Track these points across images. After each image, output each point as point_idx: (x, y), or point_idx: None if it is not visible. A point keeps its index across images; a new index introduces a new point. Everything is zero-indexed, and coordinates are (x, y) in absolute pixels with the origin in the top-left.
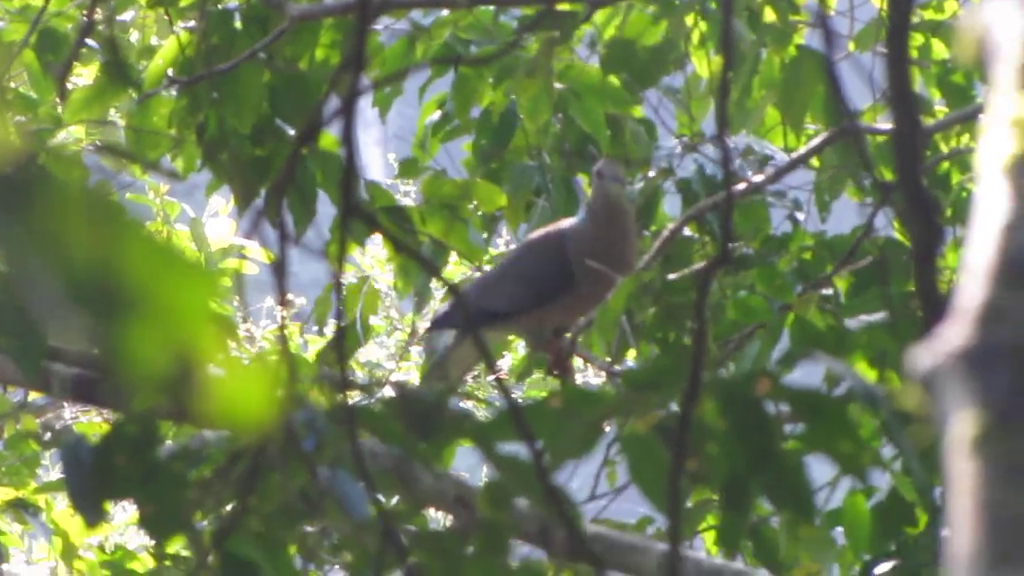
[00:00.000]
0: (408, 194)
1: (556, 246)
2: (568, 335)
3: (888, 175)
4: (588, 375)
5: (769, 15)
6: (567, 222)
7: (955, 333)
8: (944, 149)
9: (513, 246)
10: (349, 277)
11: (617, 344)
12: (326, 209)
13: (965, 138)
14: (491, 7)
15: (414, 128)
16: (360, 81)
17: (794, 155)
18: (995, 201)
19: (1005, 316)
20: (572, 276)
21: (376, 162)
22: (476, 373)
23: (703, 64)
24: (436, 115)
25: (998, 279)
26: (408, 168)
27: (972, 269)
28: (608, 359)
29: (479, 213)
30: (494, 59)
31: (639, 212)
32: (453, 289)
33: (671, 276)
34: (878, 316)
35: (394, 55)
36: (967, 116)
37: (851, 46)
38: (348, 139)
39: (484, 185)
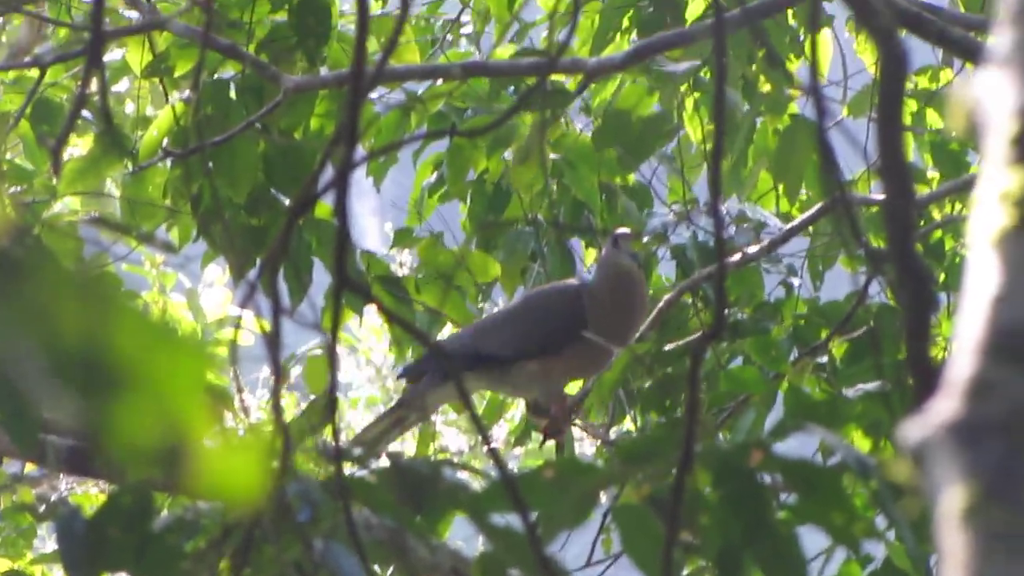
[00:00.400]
0: (404, 264)
1: (571, 297)
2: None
3: (882, 243)
4: (583, 443)
5: (764, 84)
6: (570, 281)
7: (945, 406)
8: (937, 216)
9: None
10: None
11: (612, 412)
12: (323, 278)
13: (958, 206)
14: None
15: (409, 197)
16: (354, 153)
17: (788, 226)
18: (985, 274)
19: (994, 390)
20: (581, 328)
21: (372, 231)
22: (471, 444)
23: (696, 130)
24: (432, 177)
25: (987, 353)
26: (403, 237)
27: (962, 343)
28: (603, 426)
29: (475, 282)
30: (488, 130)
31: None
32: (446, 359)
33: (667, 347)
34: (872, 386)
35: (388, 125)
36: (960, 187)
37: (844, 112)
38: (341, 211)
39: (479, 255)
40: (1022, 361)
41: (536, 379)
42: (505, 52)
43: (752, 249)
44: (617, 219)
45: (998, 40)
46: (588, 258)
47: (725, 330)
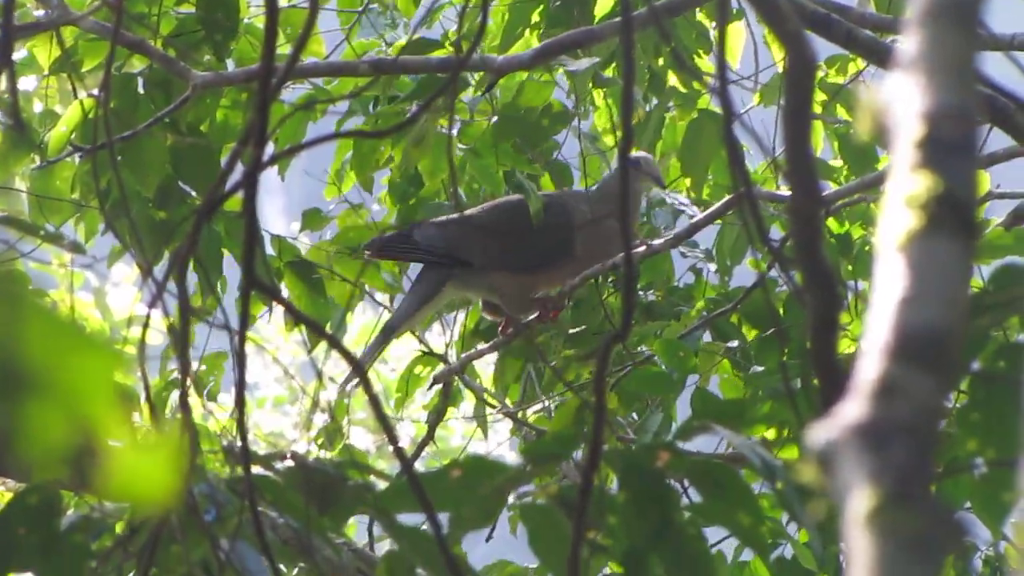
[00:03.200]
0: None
1: (562, 220)
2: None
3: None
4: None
5: (671, 78)
6: (569, 192)
7: (852, 408)
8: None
9: None
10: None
11: (524, 390)
12: (234, 271)
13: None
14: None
15: (319, 195)
16: (263, 153)
17: (694, 219)
18: (892, 277)
19: (900, 392)
20: (570, 248)
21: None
22: (378, 444)
23: (604, 121)
24: (350, 153)
25: (894, 356)
26: (312, 219)
27: (869, 345)
28: (515, 406)
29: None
30: (394, 131)
31: None
32: (352, 360)
33: (572, 354)
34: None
35: (295, 119)
36: (866, 185)
37: (756, 99)
38: (250, 212)
39: (393, 228)
40: (928, 363)
41: (509, 290)
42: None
43: (658, 241)
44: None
45: (906, 42)
46: None
47: (628, 336)
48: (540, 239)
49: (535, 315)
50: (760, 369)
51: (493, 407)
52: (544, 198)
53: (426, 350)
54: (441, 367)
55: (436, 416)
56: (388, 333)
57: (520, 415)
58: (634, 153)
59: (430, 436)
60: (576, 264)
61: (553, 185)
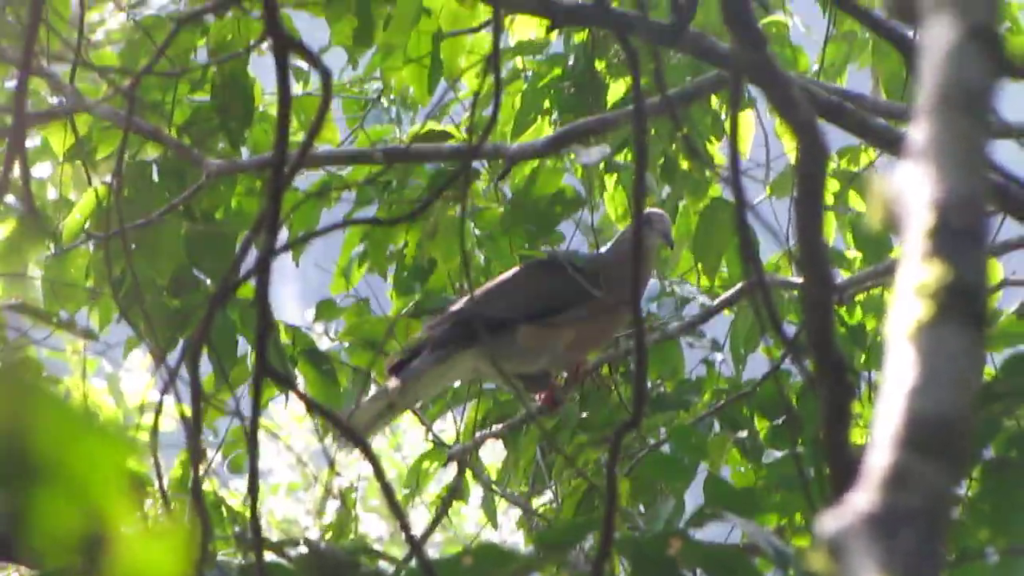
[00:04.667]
0: (330, 334)
1: (580, 265)
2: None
3: (801, 324)
4: (508, 514)
5: (684, 163)
6: (584, 253)
7: (862, 497)
8: (859, 298)
9: None
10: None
11: (532, 481)
12: (250, 360)
13: (878, 291)
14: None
15: (336, 264)
16: (276, 241)
17: (707, 308)
18: (903, 366)
19: (911, 481)
20: (588, 294)
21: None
22: (391, 530)
23: (618, 205)
24: (360, 247)
25: (904, 444)
26: (326, 309)
27: (880, 434)
28: (525, 495)
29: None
30: (407, 219)
31: None
32: (365, 447)
33: (586, 439)
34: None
35: (309, 209)
36: (879, 273)
37: (767, 192)
38: (262, 299)
39: (405, 321)
40: (938, 452)
41: (540, 341)
42: (426, 127)
43: (674, 325)
44: None
45: (916, 131)
46: None
47: (640, 423)
48: (559, 284)
49: (553, 390)
50: (775, 456)
51: (503, 497)
52: (560, 255)
53: (436, 441)
54: (457, 445)
55: (450, 493)
56: (384, 395)
57: (531, 502)
58: (647, 209)
59: (444, 512)
60: (599, 308)
61: None
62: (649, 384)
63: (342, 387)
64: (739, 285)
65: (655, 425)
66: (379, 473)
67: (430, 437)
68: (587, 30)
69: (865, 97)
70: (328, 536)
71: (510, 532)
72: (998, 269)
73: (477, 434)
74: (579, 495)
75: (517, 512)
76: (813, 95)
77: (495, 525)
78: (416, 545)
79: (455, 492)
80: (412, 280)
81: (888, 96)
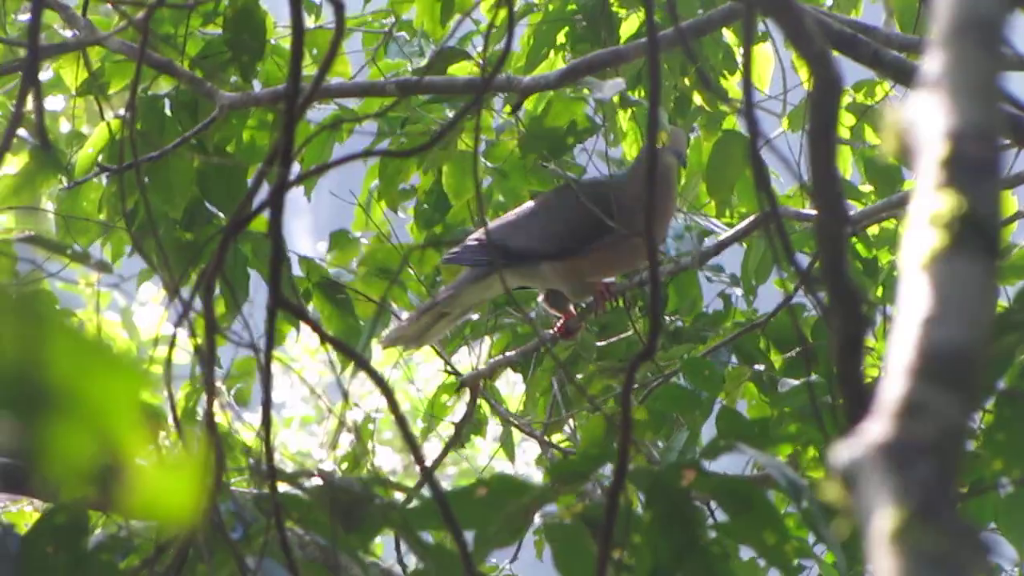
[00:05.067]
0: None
1: (599, 195)
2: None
3: (814, 256)
4: (525, 446)
5: (697, 98)
6: (597, 178)
7: (876, 427)
8: (872, 230)
9: None
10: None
11: (550, 413)
12: (261, 291)
13: (892, 223)
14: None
15: (345, 215)
16: (289, 173)
17: (719, 239)
18: (916, 296)
19: (925, 412)
20: (607, 225)
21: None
22: (405, 463)
23: (631, 142)
24: (378, 180)
25: (918, 375)
26: (340, 240)
27: (894, 364)
28: (543, 426)
29: (421, 277)
30: (419, 151)
31: None
32: (380, 380)
33: (601, 366)
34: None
35: (320, 138)
36: (892, 205)
37: (784, 124)
38: (276, 231)
39: (419, 252)
40: (952, 383)
41: (563, 276)
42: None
43: (687, 259)
44: None
45: (930, 62)
46: None
47: (655, 354)
48: (576, 220)
49: (592, 302)
50: (790, 385)
51: (519, 429)
52: (578, 183)
53: (451, 372)
54: (469, 371)
55: (463, 420)
56: (431, 307)
57: (547, 436)
58: (670, 127)
59: (457, 439)
60: (619, 244)
61: None
62: (667, 318)
63: (359, 318)
64: (752, 217)
65: (672, 357)
66: (393, 405)
67: (447, 369)
68: None
69: (879, 30)
70: (343, 468)
71: (525, 466)
72: (1012, 202)
73: (491, 360)
74: (598, 427)
75: (536, 448)
76: (827, 27)
77: (512, 459)
78: (428, 475)
79: (467, 419)
80: (432, 211)
81: (901, 28)
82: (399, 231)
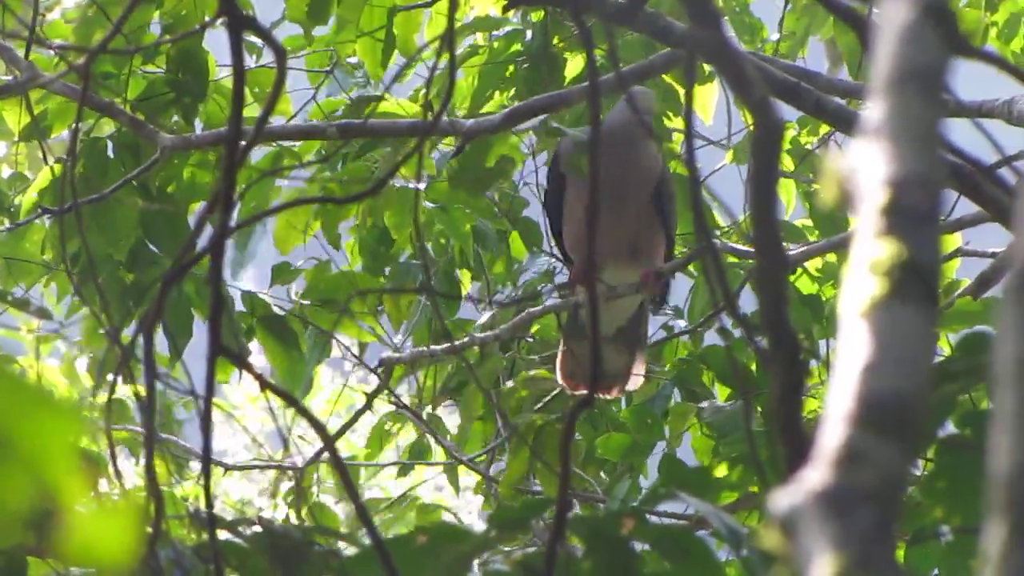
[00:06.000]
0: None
1: (554, 157)
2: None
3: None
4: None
5: None
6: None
7: (816, 475)
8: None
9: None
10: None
11: (493, 449)
12: (204, 336)
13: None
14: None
15: (286, 254)
16: (229, 220)
17: (661, 267)
18: (856, 344)
19: (864, 460)
20: (563, 183)
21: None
22: (346, 510)
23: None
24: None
25: (858, 423)
26: (282, 273)
27: (833, 412)
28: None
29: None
30: (361, 198)
31: None
32: (318, 426)
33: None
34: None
35: (262, 183)
36: (832, 245)
37: (728, 158)
38: (216, 278)
39: (365, 277)
40: (891, 430)
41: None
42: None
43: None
44: (499, 258)
45: (871, 110)
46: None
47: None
48: (553, 193)
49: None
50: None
51: (461, 463)
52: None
53: (396, 402)
54: (391, 353)
55: (372, 394)
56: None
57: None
58: (636, 88)
59: (366, 408)
60: (575, 207)
61: (523, 241)
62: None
63: (304, 350)
64: (690, 252)
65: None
66: (332, 450)
67: (392, 399)
68: (543, 8)
69: (821, 75)
70: (289, 514)
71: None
72: (954, 240)
73: (416, 349)
74: (523, 459)
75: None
76: (768, 74)
77: (456, 489)
78: (369, 524)
79: (379, 390)
80: (376, 243)
81: (851, 70)
82: (339, 257)
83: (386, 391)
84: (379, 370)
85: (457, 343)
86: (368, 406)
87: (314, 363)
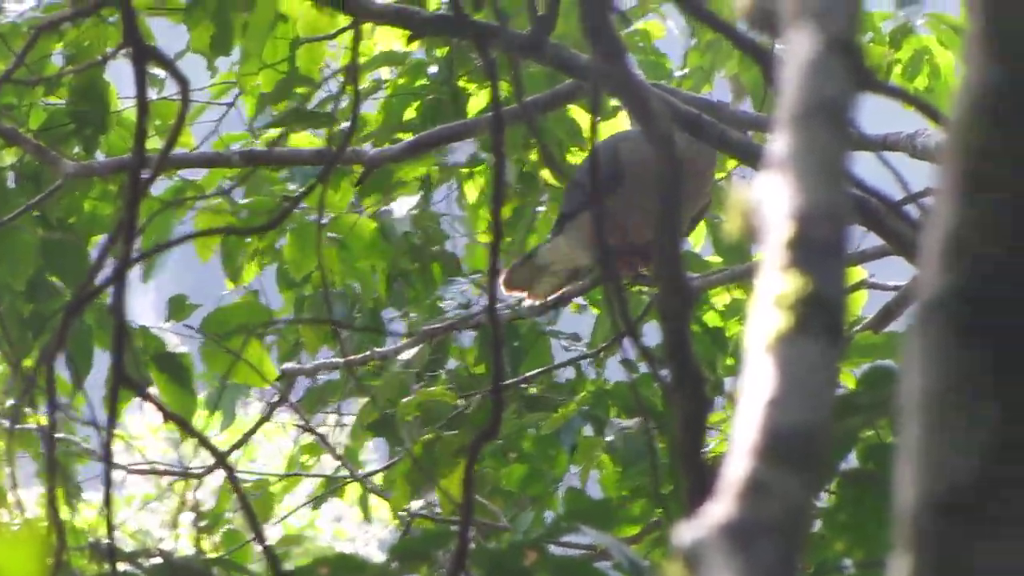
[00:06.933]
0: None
1: (610, 150)
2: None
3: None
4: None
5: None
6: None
7: (719, 508)
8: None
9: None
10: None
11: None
12: (104, 362)
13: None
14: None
15: (187, 287)
16: (131, 252)
17: (556, 294)
18: (760, 377)
19: (768, 492)
20: (622, 177)
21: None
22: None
23: (476, 221)
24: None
25: (761, 455)
26: (178, 308)
27: (738, 444)
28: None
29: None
30: (262, 230)
31: None
32: (220, 458)
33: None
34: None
35: (166, 216)
36: (735, 276)
37: None
38: (118, 311)
39: (261, 310)
40: (796, 464)
41: (583, 237)
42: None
43: (525, 305)
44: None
45: (776, 143)
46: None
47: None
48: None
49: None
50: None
51: (371, 491)
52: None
53: (306, 427)
54: (291, 364)
55: (273, 405)
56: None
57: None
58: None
59: (264, 420)
60: (632, 201)
61: (441, 275)
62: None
63: (194, 391)
64: (591, 277)
65: (526, 425)
66: (233, 481)
67: (301, 424)
68: (448, 41)
69: (725, 107)
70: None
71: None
72: (859, 272)
73: (317, 362)
74: (406, 470)
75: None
76: (673, 107)
77: (367, 517)
78: (272, 556)
79: (280, 403)
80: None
81: (755, 104)
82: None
83: (290, 407)
84: (280, 382)
85: (354, 357)
86: (267, 418)
87: (235, 394)
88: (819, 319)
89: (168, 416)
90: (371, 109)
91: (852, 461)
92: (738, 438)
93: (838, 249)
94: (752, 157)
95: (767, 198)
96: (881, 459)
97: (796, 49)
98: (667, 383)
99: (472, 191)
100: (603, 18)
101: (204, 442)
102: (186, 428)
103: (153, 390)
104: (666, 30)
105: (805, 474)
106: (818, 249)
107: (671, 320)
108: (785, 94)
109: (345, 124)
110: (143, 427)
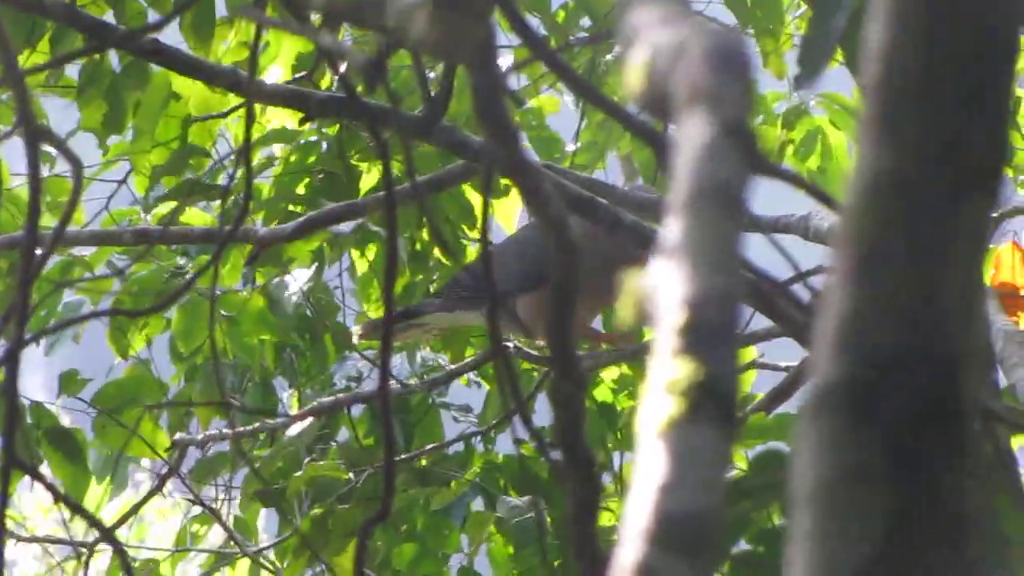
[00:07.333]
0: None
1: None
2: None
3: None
4: None
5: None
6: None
7: None
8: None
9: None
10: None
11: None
12: None
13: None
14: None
15: (78, 363)
16: (23, 333)
17: (451, 368)
18: (652, 463)
19: None
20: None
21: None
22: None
23: (366, 297)
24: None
25: (653, 540)
26: (70, 382)
27: (629, 530)
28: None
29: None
30: (154, 312)
31: None
32: (106, 532)
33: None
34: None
35: (57, 295)
36: (627, 355)
37: None
38: (11, 394)
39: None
40: (687, 548)
41: (533, 314)
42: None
43: (415, 383)
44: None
45: (669, 227)
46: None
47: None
48: (543, 250)
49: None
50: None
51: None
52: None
53: (197, 502)
54: (182, 435)
55: (164, 476)
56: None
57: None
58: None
59: (155, 492)
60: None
61: (336, 351)
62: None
63: (88, 466)
64: (481, 353)
65: (417, 500)
66: (124, 563)
67: (193, 499)
68: (339, 121)
69: (616, 188)
70: None
71: None
72: (750, 352)
73: (208, 432)
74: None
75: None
76: (566, 190)
77: None
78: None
79: (172, 473)
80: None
81: (646, 183)
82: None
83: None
84: (171, 453)
85: (243, 429)
86: (158, 489)
87: (127, 463)
88: (711, 405)
89: (58, 497)
90: (266, 180)
91: (743, 545)
92: (630, 523)
93: (730, 334)
94: (645, 240)
95: (660, 283)
96: (771, 543)
97: (689, 132)
98: (558, 466)
99: (363, 264)
100: (495, 101)
101: (88, 517)
102: (68, 503)
103: (45, 467)
104: (560, 104)
105: (696, 559)
106: (710, 334)
107: (564, 405)
108: (678, 177)
109: (239, 196)
110: (33, 506)
